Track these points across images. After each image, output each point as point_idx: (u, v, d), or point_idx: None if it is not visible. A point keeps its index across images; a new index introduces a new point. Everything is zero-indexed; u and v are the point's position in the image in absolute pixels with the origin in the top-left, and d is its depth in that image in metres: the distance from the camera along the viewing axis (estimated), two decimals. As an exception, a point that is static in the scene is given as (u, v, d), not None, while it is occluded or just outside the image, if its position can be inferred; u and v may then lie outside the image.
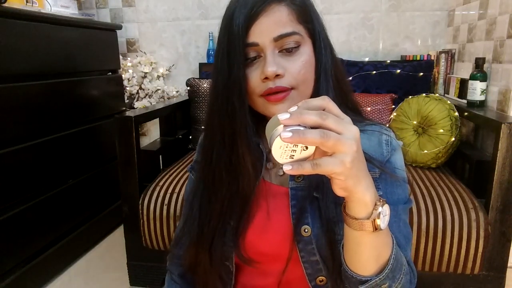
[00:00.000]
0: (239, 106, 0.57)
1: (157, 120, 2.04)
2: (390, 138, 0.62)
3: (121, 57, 2.25)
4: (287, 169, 0.39)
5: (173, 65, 2.45)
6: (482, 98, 1.55)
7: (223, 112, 0.59)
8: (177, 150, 1.96)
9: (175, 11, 2.37)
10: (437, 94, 1.68)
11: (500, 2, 1.53)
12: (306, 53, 0.58)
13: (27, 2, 1.64)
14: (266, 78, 0.55)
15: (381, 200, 0.45)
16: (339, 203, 0.52)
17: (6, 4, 1.41)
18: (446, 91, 1.96)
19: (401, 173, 0.62)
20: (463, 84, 1.76)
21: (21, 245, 1.47)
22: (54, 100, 1.66)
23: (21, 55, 1.47)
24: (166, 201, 1.43)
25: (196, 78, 2.04)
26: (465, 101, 1.65)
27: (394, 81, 1.88)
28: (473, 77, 1.55)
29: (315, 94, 0.60)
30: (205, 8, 2.32)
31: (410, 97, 1.65)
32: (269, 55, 0.55)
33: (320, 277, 0.61)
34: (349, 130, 0.40)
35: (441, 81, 2.00)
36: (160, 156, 1.78)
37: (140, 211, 1.45)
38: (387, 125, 1.33)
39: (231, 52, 0.56)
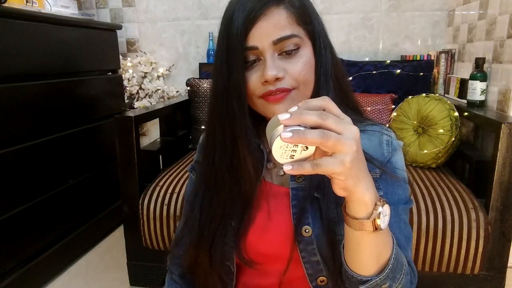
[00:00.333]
0: (238, 109, 0.57)
1: (157, 120, 2.03)
2: (391, 138, 0.62)
3: (121, 57, 2.24)
4: (287, 169, 0.40)
5: (173, 65, 2.45)
6: (482, 98, 1.55)
7: (223, 115, 0.59)
8: (177, 150, 1.96)
9: (175, 11, 2.37)
10: (437, 94, 1.68)
11: (500, 2, 1.53)
12: (306, 55, 0.58)
13: (27, 2, 1.64)
14: (266, 81, 0.55)
15: (381, 200, 0.45)
16: (340, 203, 0.52)
17: (6, 4, 1.41)
18: (446, 91, 1.96)
19: (401, 174, 0.62)
20: (463, 84, 1.76)
21: (21, 245, 1.47)
22: (54, 100, 1.65)
23: (21, 55, 1.46)
24: (166, 201, 1.43)
25: (196, 78, 2.04)
26: (465, 101, 1.65)
27: (394, 81, 1.89)
28: (473, 77, 1.55)
29: (315, 94, 0.60)
30: (205, 8, 2.32)
31: (410, 97, 1.65)
32: (268, 58, 0.55)
33: (321, 277, 0.61)
34: (349, 130, 0.40)
35: (441, 81, 2.00)
36: (160, 156, 1.78)
37: (140, 211, 1.45)
38: (387, 125, 1.33)
39: (231, 56, 0.56)
